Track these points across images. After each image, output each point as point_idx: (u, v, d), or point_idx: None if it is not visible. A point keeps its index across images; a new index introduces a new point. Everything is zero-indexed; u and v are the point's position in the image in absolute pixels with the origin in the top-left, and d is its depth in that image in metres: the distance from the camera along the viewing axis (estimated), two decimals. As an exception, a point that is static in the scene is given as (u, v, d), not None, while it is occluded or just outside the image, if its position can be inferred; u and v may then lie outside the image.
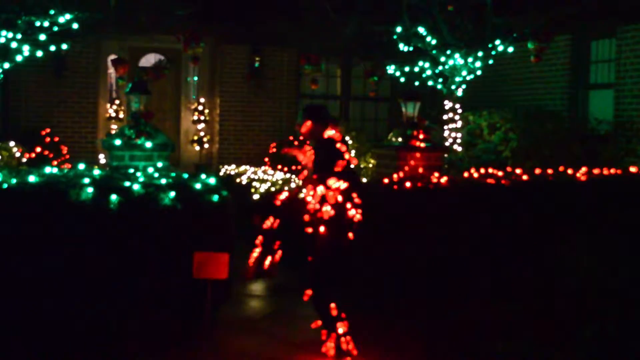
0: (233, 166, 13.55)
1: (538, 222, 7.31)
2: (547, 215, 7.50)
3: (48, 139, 13.98)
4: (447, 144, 12.07)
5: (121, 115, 15.32)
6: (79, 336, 6.24)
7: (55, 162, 13.25)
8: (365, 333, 6.21)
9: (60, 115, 14.78)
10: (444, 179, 8.37)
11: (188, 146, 15.77)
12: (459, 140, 12.38)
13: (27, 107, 14.54)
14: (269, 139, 15.36)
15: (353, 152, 13.32)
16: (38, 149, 13.19)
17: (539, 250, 6.96)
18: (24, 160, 12.14)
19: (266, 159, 14.84)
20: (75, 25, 10.49)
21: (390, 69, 13.62)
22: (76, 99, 14.91)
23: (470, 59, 11.91)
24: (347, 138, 13.62)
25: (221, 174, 13.11)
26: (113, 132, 15.04)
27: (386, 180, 8.33)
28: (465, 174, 8.75)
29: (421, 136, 9.30)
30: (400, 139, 10.48)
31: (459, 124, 12.47)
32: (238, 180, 12.55)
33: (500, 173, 8.79)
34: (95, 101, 15.21)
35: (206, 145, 15.57)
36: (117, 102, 15.38)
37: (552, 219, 7.46)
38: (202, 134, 15.55)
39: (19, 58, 10.46)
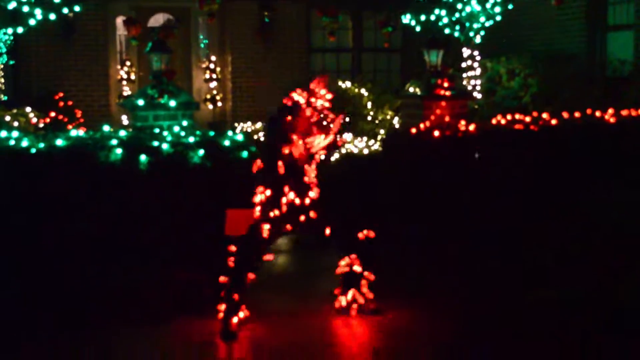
0: (249, 123, 13.44)
1: (573, 165, 7.22)
2: (580, 158, 7.41)
3: (62, 103, 13.87)
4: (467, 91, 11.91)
5: (132, 76, 15.18)
6: (112, 294, 6.18)
7: (70, 126, 13.14)
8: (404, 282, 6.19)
9: (72, 78, 14.63)
10: (472, 127, 8.26)
11: (201, 105, 15.62)
12: (478, 88, 12.23)
13: (38, 72, 14.40)
14: (282, 95, 15.14)
15: (369, 104, 13.18)
16: (52, 114, 13.07)
17: (577, 193, 6.87)
18: (41, 125, 12.04)
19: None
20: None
21: (405, 19, 13.40)
22: (86, 61, 14.74)
23: (488, 4, 11.70)
24: (362, 90, 13.48)
25: (237, 131, 13.01)
26: (125, 93, 14.95)
27: (414, 130, 8.23)
28: (493, 121, 8.63)
29: (446, 84, 9.16)
30: (418, 89, 10.34)
31: (478, 71, 12.31)
32: (255, 137, 12.47)
33: (527, 118, 8.66)
34: (106, 63, 15.04)
35: (219, 104, 15.43)
36: (127, 63, 15.22)
37: (586, 162, 7.36)
38: (214, 92, 15.41)
39: (32, 22, 10.29)
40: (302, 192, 5.73)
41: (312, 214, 5.72)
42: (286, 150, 5.66)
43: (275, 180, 5.70)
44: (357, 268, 5.84)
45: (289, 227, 5.84)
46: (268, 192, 5.70)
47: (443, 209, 7.16)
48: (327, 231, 5.78)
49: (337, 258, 5.90)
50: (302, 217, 5.74)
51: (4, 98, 14.06)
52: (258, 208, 5.75)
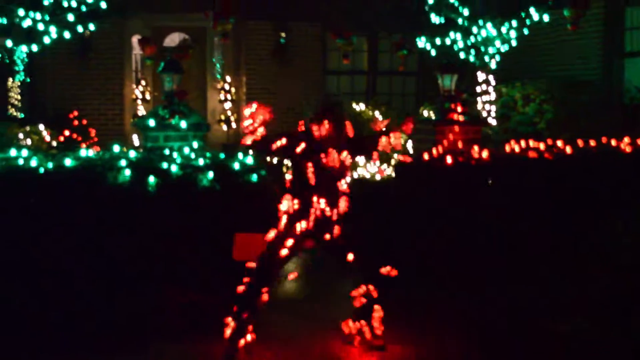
0: (262, 145, 13.35)
1: (586, 196, 7.10)
2: (594, 189, 7.29)
3: (76, 122, 13.87)
4: (482, 117, 11.83)
5: (147, 96, 15.20)
6: (120, 317, 6.13)
7: (84, 145, 13.15)
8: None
9: (87, 97, 14.65)
10: (485, 154, 8.16)
11: (215, 126, 15.58)
12: (493, 113, 12.14)
13: (53, 89, 14.44)
14: (296, 117, 15.15)
15: (383, 127, 13.07)
16: (66, 132, 13.08)
17: (590, 224, 6.76)
18: (54, 144, 12.04)
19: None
20: (103, 5, 10.33)
21: (420, 42, 13.35)
22: (102, 80, 14.77)
23: (504, 29, 11.64)
24: (376, 113, 13.40)
25: (250, 153, 12.94)
26: (139, 113, 14.95)
27: (426, 156, 8.15)
28: (507, 148, 8.52)
29: (459, 109, 9.09)
30: (432, 113, 10.27)
31: (493, 96, 12.22)
32: (268, 159, 12.40)
33: (542, 146, 8.54)
34: (121, 82, 15.07)
35: (233, 125, 15.40)
36: (142, 82, 15.25)
37: (600, 192, 7.24)
38: (229, 113, 15.40)
39: (46, 40, 10.30)
40: (332, 203, 5.63)
41: (336, 229, 5.62)
42: (318, 160, 5.59)
43: (305, 189, 5.61)
44: (372, 300, 5.75)
45: (310, 243, 5.75)
46: (296, 202, 5.61)
47: (454, 239, 7.06)
48: (350, 257, 5.70)
49: (352, 285, 5.81)
50: (327, 235, 5.65)
51: (21, 115, 14.16)
52: (284, 218, 5.66)
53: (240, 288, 5.60)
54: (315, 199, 5.60)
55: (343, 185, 5.72)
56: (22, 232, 6.33)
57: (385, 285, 5.78)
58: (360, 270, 5.79)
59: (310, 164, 5.61)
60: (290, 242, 5.60)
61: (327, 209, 5.61)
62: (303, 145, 5.67)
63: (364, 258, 5.76)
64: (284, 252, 5.61)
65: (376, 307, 5.76)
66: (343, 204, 5.68)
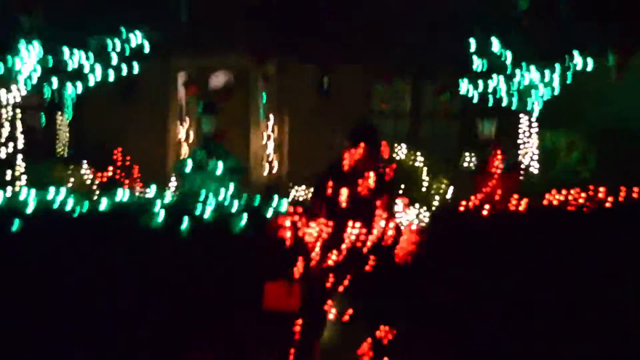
0: (303, 187, 13.39)
1: (623, 253, 6.94)
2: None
3: (120, 160, 14.04)
4: (523, 164, 11.69)
5: (192, 135, 15.31)
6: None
7: (127, 183, 13.28)
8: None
9: (131, 135, 14.76)
10: (522, 205, 8.03)
11: (258, 167, 15.65)
12: (534, 160, 12.00)
13: (98, 127, 14.61)
14: (339, 159, 15.15)
15: (424, 172, 13.04)
16: (110, 170, 13.22)
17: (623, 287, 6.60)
18: (97, 182, 12.19)
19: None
20: (147, 47, 10.51)
21: (463, 87, 13.30)
22: (147, 118, 14.90)
23: (547, 74, 11.54)
24: (419, 155, 13.35)
25: (291, 195, 12.97)
26: (183, 152, 15.08)
27: (463, 205, 8.05)
28: (545, 201, 8.36)
29: (499, 156, 9.00)
30: (474, 159, 10.17)
31: (536, 143, 12.09)
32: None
33: (582, 196, 8.37)
34: (165, 121, 15.20)
35: (276, 166, 15.43)
36: (186, 123, 15.39)
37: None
38: (271, 154, 15.45)
39: (91, 82, 10.49)
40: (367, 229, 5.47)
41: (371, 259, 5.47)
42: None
43: (337, 214, 5.48)
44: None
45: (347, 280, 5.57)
46: (329, 225, 5.44)
47: (486, 293, 6.95)
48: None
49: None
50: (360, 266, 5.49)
51: (67, 154, 14.40)
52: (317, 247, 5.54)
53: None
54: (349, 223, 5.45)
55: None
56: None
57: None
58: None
59: (344, 189, 5.48)
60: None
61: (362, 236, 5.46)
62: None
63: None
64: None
65: None
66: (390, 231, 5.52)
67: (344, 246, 5.51)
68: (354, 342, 6.54)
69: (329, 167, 5.75)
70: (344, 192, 5.49)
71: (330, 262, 5.52)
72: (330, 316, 5.69)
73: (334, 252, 5.53)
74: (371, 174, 5.55)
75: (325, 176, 5.66)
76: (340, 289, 5.58)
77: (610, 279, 6.73)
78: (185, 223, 6.89)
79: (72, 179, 11.75)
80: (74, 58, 10.18)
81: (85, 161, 12.30)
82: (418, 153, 13.36)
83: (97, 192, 8.57)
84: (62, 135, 14.78)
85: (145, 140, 14.92)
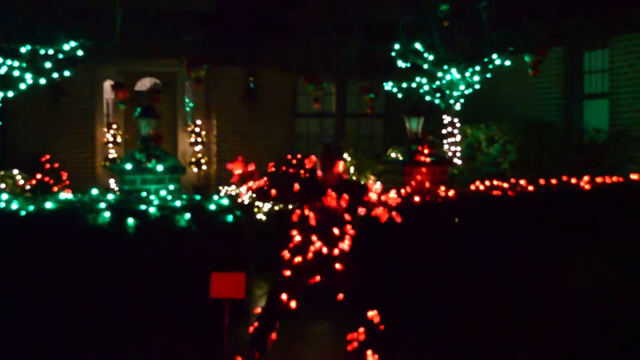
0: (233, 187, 13.61)
1: (547, 232, 7.41)
2: (555, 225, 7.60)
3: (48, 165, 14.01)
4: (448, 158, 12.18)
5: (119, 139, 15.38)
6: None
7: (56, 188, 13.27)
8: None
9: (59, 140, 14.82)
10: (451, 193, 8.49)
11: (186, 168, 15.79)
12: (458, 154, 12.52)
13: (25, 134, 14.56)
14: (266, 159, 15.43)
15: (352, 169, 13.44)
16: (38, 176, 13.19)
17: (550, 260, 7.05)
18: (27, 187, 12.16)
19: (265, 178, 14.87)
20: (80, 52, 10.56)
21: (388, 86, 13.76)
22: (74, 124, 14.97)
23: (467, 73, 12.07)
24: (345, 155, 13.72)
25: (221, 194, 13.17)
26: (111, 156, 15.14)
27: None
28: (472, 187, 8.86)
29: (426, 151, 9.42)
30: (399, 155, 10.54)
31: (458, 137, 12.61)
32: (240, 200, 12.62)
33: (505, 185, 8.91)
34: (92, 126, 15.28)
35: (204, 167, 15.65)
36: (114, 126, 15.44)
37: (560, 228, 7.55)
38: (199, 155, 15.64)
39: (22, 86, 10.48)
40: (332, 242, 5.91)
41: (337, 265, 5.86)
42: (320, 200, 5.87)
43: (305, 228, 5.93)
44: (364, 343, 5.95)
45: (317, 277, 6.01)
46: (298, 238, 5.95)
47: (420, 277, 7.34)
48: (340, 296, 5.94)
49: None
50: (328, 268, 5.91)
51: (-1, 160, 14.22)
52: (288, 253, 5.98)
53: (251, 329, 5.95)
54: (314, 237, 5.91)
55: (347, 224, 5.98)
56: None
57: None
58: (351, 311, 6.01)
59: (308, 206, 5.90)
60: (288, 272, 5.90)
61: (324, 248, 5.89)
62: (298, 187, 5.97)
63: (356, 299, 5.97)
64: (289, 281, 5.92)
65: (368, 352, 5.94)
66: (346, 243, 5.95)
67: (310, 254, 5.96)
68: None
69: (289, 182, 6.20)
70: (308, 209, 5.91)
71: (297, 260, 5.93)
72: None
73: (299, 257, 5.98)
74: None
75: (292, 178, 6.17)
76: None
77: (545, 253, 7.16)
78: (131, 219, 7.06)
79: (2, 184, 11.67)
80: (3, 68, 10.14)
81: (14, 168, 12.21)
82: (345, 154, 13.73)
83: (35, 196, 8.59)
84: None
85: (72, 145, 14.95)
